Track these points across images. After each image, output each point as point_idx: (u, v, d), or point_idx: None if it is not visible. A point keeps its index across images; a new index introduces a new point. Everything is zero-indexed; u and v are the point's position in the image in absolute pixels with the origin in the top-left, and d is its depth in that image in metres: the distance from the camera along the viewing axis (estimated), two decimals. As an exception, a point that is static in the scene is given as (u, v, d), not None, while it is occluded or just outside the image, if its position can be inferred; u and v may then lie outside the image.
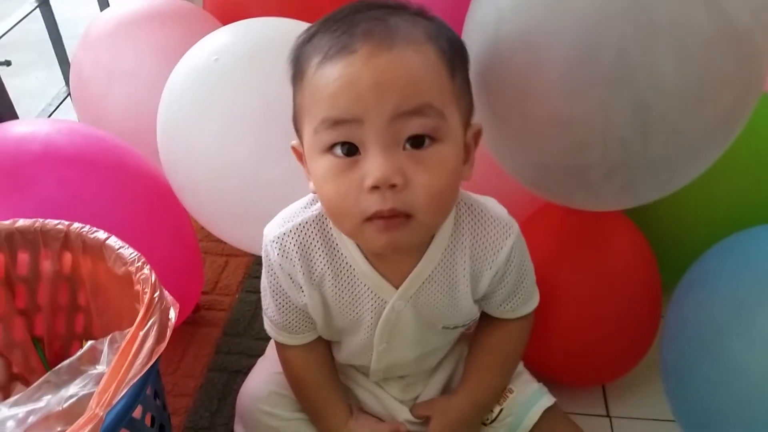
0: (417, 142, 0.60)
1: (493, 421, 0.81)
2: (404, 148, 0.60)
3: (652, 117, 0.66)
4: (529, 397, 0.82)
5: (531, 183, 0.81)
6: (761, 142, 0.94)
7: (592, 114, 0.68)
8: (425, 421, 0.81)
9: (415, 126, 0.59)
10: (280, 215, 0.74)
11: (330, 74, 0.59)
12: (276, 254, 0.72)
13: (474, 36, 0.76)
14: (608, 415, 0.98)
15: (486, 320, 0.81)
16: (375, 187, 0.59)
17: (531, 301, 0.79)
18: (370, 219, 0.61)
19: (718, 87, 0.67)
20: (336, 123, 0.59)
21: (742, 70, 0.67)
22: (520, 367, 0.85)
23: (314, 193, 0.68)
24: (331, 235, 0.71)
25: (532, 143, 0.75)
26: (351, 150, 0.60)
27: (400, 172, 0.59)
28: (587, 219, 0.88)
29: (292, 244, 0.71)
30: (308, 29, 0.65)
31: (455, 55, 0.64)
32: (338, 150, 0.61)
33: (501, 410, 0.81)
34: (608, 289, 0.89)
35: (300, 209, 0.73)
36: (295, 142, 0.69)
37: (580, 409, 0.96)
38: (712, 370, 0.75)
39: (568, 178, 0.75)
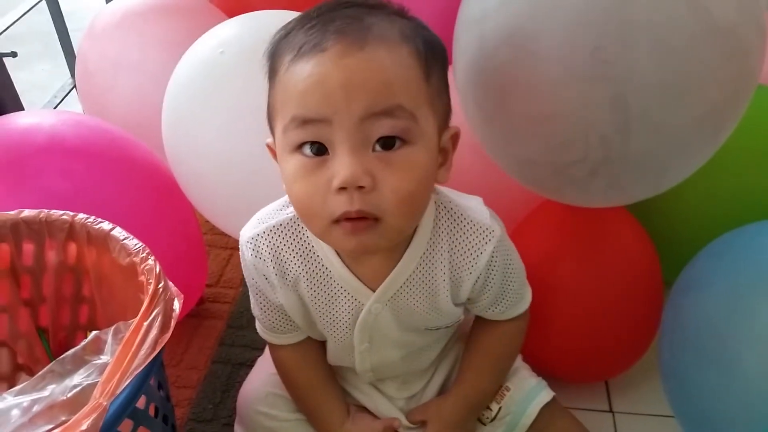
0: (387, 143, 0.59)
1: (492, 420, 0.81)
2: (374, 150, 0.59)
3: (633, 114, 0.66)
4: (527, 394, 0.81)
5: (522, 179, 0.81)
6: (764, 137, 0.93)
7: (572, 111, 0.68)
8: (422, 425, 0.81)
9: (385, 127, 0.58)
10: (256, 216, 0.73)
11: (300, 72, 0.59)
12: (250, 255, 0.72)
13: (462, 33, 0.77)
14: (611, 411, 0.98)
15: (479, 321, 0.80)
16: (342, 188, 0.58)
17: (521, 303, 0.78)
18: (337, 221, 0.60)
19: (701, 83, 0.66)
20: (305, 122, 0.59)
21: (728, 65, 0.66)
22: (519, 362, 0.85)
23: (286, 192, 0.66)
24: (307, 237, 0.70)
25: (517, 140, 0.75)
26: (320, 150, 0.59)
27: (368, 174, 0.58)
28: (588, 214, 0.88)
29: (265, 246, 0.71)
30: (285, 25, 0.64)
31: (431, 56, 0.62)
32: (307, 149, 0.60)
33: (500, 409, 0.81)
34: (609, 284, 0.89)
35: (275, 211, 0.72)
36: (269, 140, 0.67)
37: (583, 405, 0.96)
38: (711, 371, 0.74)
39: (555, 175, 0.75)
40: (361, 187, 0.58)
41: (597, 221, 0.89)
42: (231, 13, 1.14)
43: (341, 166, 0.58)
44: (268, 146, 0.68)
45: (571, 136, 0.70)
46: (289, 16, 0.99)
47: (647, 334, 0.93)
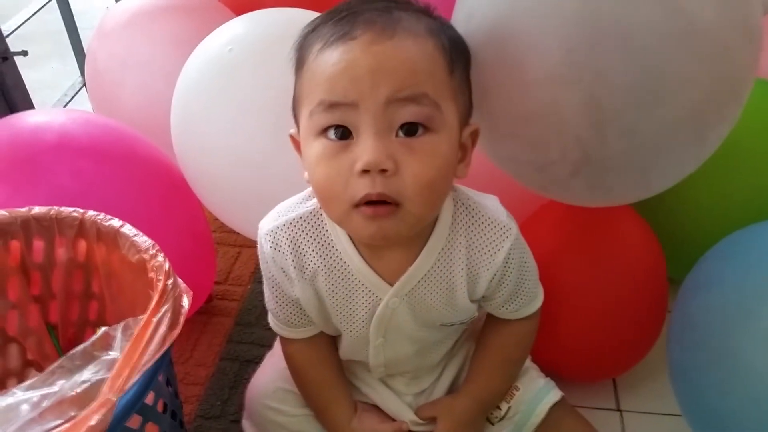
0: (411, 130, 0.60)
1: (501, 419, 0.81)
2: (397, 135, 0.60)
3: (607, 116, 0.66)
4: (536, 394, 0.82)
5: (512, 176, 0.81)
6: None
7: (546, 112, 0.69)
8: (431, 421, 0.81)
9: (410, 113, 0.60)
10: (276, 209, 0.74)
11: (329, 59, 0.60)
12: (269, 248, 0.72)
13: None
14: (619, 409, 0.98)
15: (491, 320, 0.81)
16: (365, 171, 0.59)
17: (534, 302, 0.78)
18: (358, 206, 0.61)
19: (676, 85, 0.65)
20: (332, 106, 0.60)
21: (707, 66, 0.66)
22: (528, 362, 0.85)
23: (308, 182, 0.67)
24: (326, 230, 0.71)
25: (498, 138, 0.75)
26: (344, 134, 0.61)
27: (391, 158, 0.59)
28: (594, 212, 0.87)
29: (285, 239, 0.71)
30: (313, 20, 0.66)
31: (455, 52, 0.64)
32: (332, 133, 0.61)
33: (509, 408, 0.81)
34: (614, 282, 0.89)
35: (295, 204, 0.73)
36: (293, 130, 0.69)
37: (590, 403, 0.96)
38: (719, 370, 0.74)
39: (537, 173, 0.75)
40: (383, 171, 0.59)
41: (602, 219, 0.89)
42: (239, 11, 1.14)
43: (365, 149, 0.59)
44: (291, 137, 0.69)
45: (546, 137, 0.70)
46: (296, 13, 0.99)
47: (652, 332, 0.93)
